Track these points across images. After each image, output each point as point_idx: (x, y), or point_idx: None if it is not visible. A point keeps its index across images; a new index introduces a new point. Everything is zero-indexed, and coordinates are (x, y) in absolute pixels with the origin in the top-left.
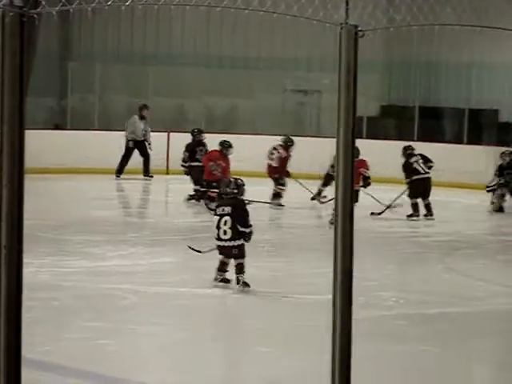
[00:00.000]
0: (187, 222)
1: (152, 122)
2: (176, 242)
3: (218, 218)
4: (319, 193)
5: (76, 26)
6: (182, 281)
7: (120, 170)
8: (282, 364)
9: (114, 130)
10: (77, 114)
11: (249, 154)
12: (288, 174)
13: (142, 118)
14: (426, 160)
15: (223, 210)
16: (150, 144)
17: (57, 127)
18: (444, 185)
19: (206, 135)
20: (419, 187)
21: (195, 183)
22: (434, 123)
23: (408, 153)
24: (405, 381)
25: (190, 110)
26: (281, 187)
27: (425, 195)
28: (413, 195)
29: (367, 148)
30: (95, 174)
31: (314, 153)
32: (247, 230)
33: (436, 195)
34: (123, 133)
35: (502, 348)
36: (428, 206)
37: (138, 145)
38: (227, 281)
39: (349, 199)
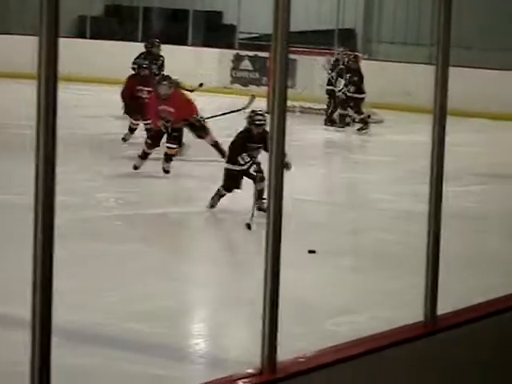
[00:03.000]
0: None
1: None
2: None
3: None
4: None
5: None
6: None
7: None
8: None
9: None
10: None
11: None
12: None
13: None
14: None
15: None
16: None
17: None
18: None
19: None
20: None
21: None
22: (159, 24)
23: None
24: (124, 280)
25: None
26: None
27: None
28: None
29: (92, 48)
30: None
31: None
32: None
33: None
34: None
35: (224, 245)
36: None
37: None
38: None
39: (51, 97)
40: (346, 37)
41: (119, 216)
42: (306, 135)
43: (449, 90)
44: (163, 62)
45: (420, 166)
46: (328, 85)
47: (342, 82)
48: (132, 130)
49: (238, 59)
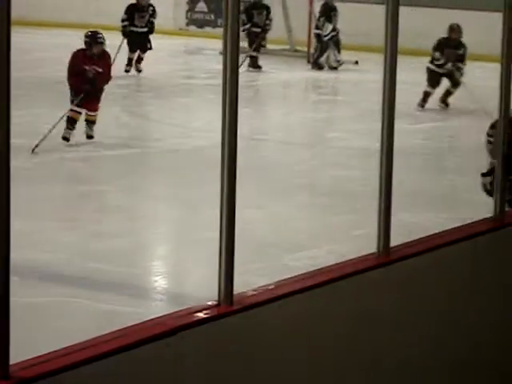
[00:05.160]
0: None
1: None
2: None
3: None
4: None
5: None
6: None
7: None
8: None
9: None
10: None
11: None
12: None
13: None
14: None
15: None
16: None
17: None
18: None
19: None
20: None
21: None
22: None
23: None
24: (84, 219)
25: None
26: None
27: None
28: None
29: None
30: None
31: None
32: None
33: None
34: None
35: (183, 184)
36: None
37: None
38: None
39: (4, 41)
40: None
41: (79, 157)
42: (268, 75)
43: (401, 29)
44: (153, 12)
45: (376, 104)
46: (316, 29)
47: (329, 27)
48: (71, 120)
49: (193, 1)
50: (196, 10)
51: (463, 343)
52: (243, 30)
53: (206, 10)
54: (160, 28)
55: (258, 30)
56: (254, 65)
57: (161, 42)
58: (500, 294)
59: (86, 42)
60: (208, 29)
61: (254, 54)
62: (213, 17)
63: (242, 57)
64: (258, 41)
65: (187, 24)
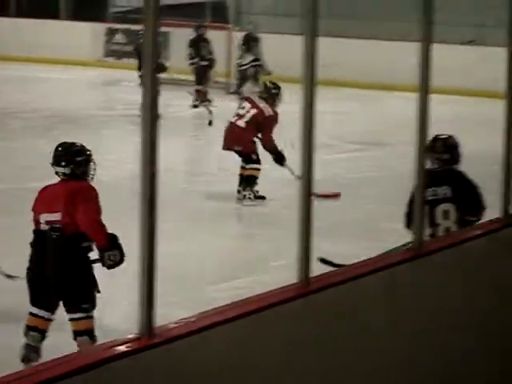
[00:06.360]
0: None
1: None
2: None
3: None
4: None
5: None
6: None
7: None
8: None
9: None
10: None
11: None
12: None
13: None
14: None
15: None
16: None
17: None
18: (41, 60)
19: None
20: None
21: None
22: None
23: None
24: (13, 250)
25: None
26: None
27: None
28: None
29: None
30: None
31: None
32: None
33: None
34: None
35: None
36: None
37: None
38: None
39: None
40: (218, 9)
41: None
42: (178, 107)
43: (322, 60)
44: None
45: (295, 135)
46: (238, 58)
47: (248, 58)
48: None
49: (111, 32)
50: (114, 41)
51: (387, 372)
52: (192, 64)
53: (123, 41)
54: (77, 59)
55: (206, 63)
56: (203, 99)
57: (78, 73)
58: (419, 321)
59: (273, 96)
60: (126, 60)
61: (201, 88)
62: (131, 48)
63: (190, 91)
64: (207, 74)
65: (105, 55)
